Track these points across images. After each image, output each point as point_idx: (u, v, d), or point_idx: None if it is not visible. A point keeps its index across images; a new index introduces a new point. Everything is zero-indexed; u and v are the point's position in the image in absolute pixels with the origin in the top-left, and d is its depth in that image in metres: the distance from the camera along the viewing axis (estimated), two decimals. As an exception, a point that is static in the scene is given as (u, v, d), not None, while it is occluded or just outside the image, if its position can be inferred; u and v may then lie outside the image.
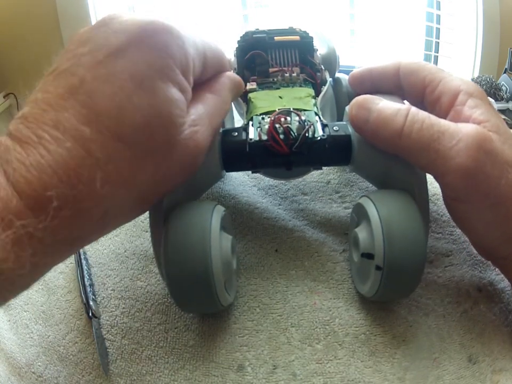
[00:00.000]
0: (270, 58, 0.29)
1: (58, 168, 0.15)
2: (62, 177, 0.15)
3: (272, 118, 0.22)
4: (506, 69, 1.18)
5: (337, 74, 0.31)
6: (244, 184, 0.32)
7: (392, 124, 0.22)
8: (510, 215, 0.21)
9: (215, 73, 0.24)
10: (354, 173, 0.32)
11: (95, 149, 0.16)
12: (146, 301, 0.25)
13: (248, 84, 0.28)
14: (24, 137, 0.15)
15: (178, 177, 0.20)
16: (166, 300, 0.25)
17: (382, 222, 0.21)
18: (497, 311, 0.24)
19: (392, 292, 0.23)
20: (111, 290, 0.25)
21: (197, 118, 0.20)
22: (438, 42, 1.35)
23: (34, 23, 1.22)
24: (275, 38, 0.29)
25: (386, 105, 0.23)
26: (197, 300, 0.21)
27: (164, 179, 0.20)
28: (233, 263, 0.22)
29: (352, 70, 0.29)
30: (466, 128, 0.21)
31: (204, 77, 0.22)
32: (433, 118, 0.22)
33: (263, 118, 0.24)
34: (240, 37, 0.29)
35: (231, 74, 0.25)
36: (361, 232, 0.22)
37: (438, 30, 1.34)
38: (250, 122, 0.24)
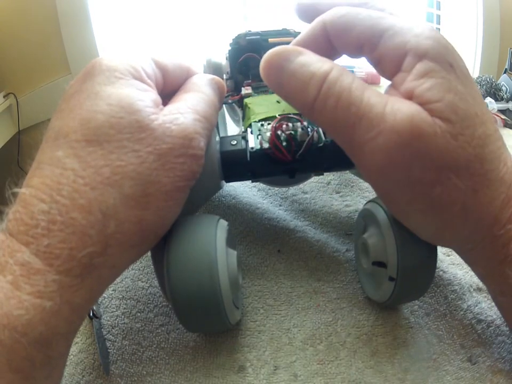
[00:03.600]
0: None
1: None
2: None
3: (274, 125, 0.22)
4: (506, 69, 1.18)
5: None
6: (244, 184, 0.32)
7: (303, 94, 0.17)
8: (447, 225, 0.18)
9: (184, 80, 0.23)
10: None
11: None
12: (148, 301, 0.25)
13: (243, 88, 0.27)
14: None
15: (180, 166, 0.19)
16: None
17: (393, 231, 0.20)
18: (497, 311, 0.24)
19: (405, 298, 0.23)
20: (112, 290, 0.25)
21: (174, 108, 0.20)
22: (438, 43, 1.35)
23: (34, 23, 1.22)
24: (269, 39, 0.28)
25: (300, 67, 0.17)
26: (205, 320, 0.20)
27: (156, 167, 0.18)
28: (239, 279, 0.22)
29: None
30: (395, 115, 0.16)
31: (171, 85, 0.22)
32: (354, 94, 0.17)
33: (262, 125, 0.23)
34: (232, 40, 0.28)
35: (201, 73, 0.24)
36: (370, 239, 0.22)
37: (438, 30, 1.34)
38: (249, 130, 0.23)
